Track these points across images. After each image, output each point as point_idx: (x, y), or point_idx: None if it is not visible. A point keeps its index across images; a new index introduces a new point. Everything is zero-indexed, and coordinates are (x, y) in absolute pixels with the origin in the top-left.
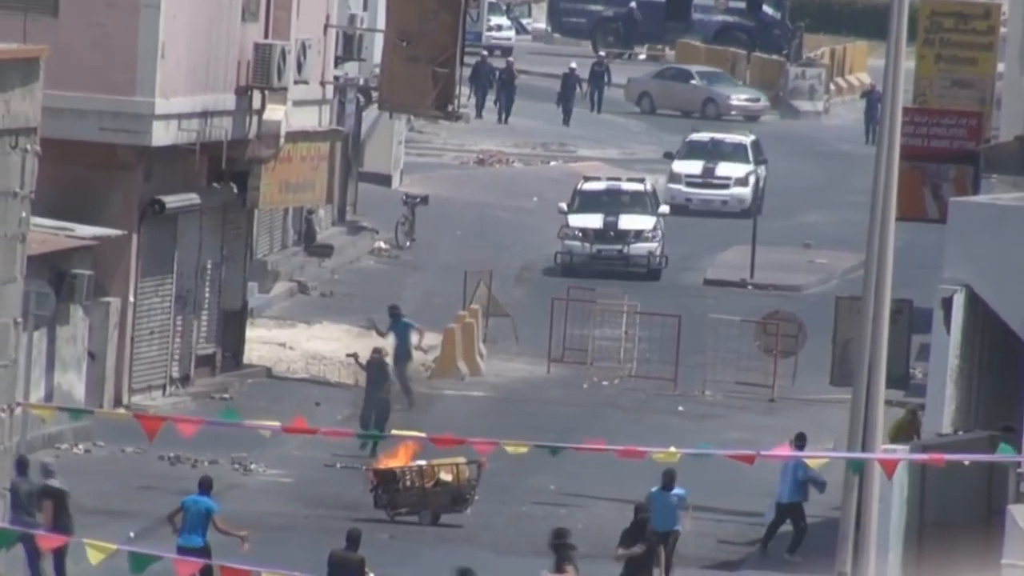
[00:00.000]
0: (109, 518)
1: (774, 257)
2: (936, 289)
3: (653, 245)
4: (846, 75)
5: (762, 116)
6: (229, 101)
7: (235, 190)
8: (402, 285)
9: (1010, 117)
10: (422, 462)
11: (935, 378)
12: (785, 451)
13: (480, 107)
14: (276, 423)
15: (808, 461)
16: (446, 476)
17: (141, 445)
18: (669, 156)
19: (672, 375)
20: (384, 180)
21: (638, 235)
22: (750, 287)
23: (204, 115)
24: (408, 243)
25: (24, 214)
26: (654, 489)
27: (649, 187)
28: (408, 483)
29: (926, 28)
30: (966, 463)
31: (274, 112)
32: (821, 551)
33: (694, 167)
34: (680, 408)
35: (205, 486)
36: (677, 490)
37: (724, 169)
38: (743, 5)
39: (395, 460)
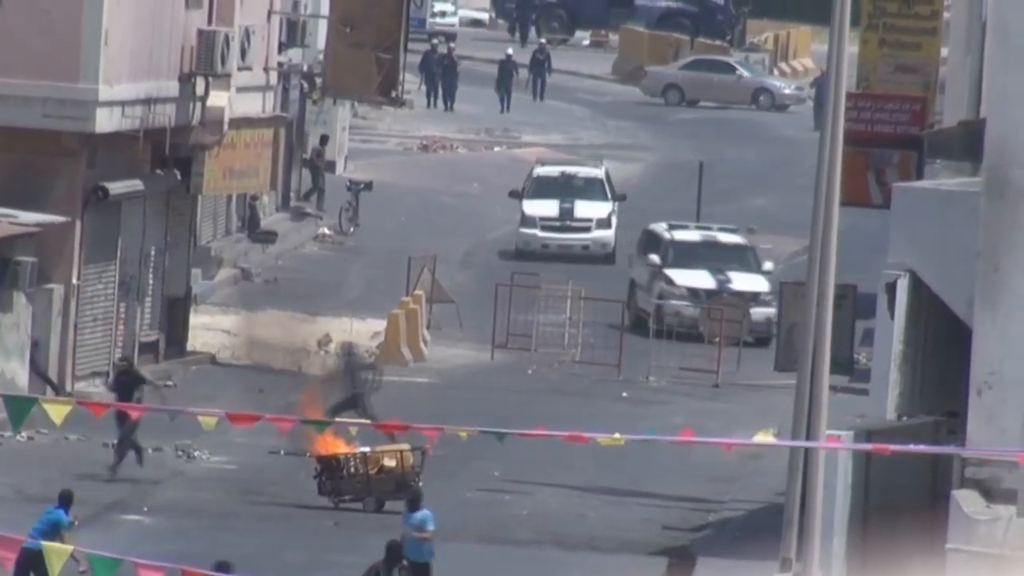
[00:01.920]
0: (53, 506)
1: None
2: (880, 274)
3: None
4: (790, 60)
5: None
6: (173, 88)
7: (179, 176)
8: (346, 271)
9: (953, 102)
10: (366, 449)
11: (879, 363)
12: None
13: (430, 96)
14: (219, 411)
15: None
16: (390, 463)
17: (84, 432)
18: (516, 195)
19: (616, 361)
20: (328, 166)
21: (596, 222)
22: None
23: (148, 102)
24: (352, 229)
25: None
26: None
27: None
28: (352, 470)
29: (869, 13)
30: (909, 445)
31: (218, 98)
32: (766, 536)
33: (548, 208)
34: (624, 394)
35: (64, 500)
36: (420, 513)
37: (583, 209)
38: None
39: (326, 446)
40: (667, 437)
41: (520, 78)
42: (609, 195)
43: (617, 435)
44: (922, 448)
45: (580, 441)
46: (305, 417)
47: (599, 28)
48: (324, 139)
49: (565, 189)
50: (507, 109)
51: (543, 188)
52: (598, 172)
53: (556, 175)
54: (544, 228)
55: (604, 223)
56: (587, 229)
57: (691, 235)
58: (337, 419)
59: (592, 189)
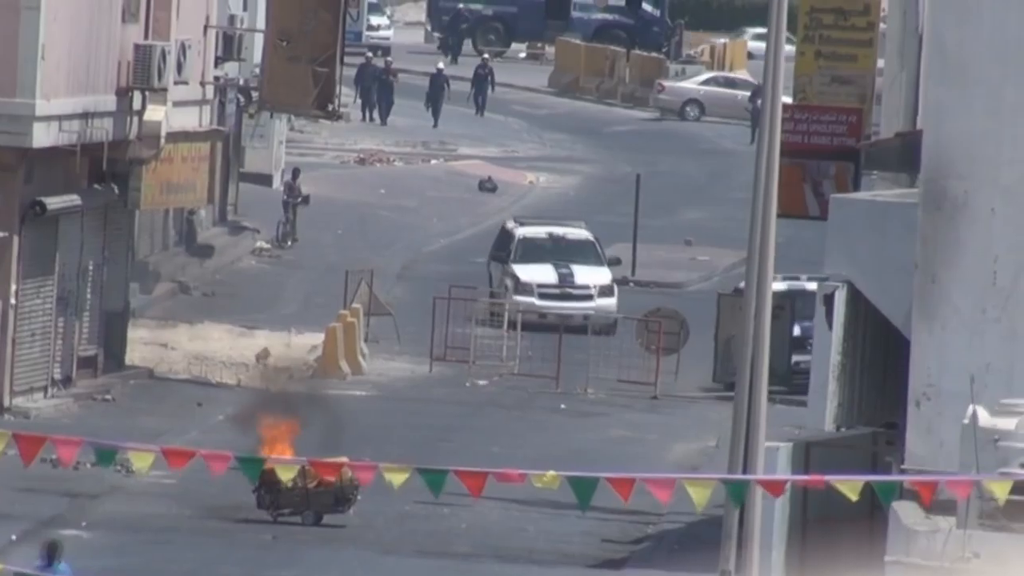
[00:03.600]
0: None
1: (655, 254)
2: (817, 285)
3: (611, 301)
4: (726, 72)
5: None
6: (110, 102)
7: (116, 191)
8: (283, 285)
9: (890, 114)
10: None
11: (817, 374)
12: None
13: (365, 109)
14: (155, 447)
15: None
16: (329, 476)
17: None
18: (501, 260)
19: (554, 373)
20: (265, 180)
21: (599, 290)
22: (632, 284)
23: (85, 116)
24: (289, 243)
25: None
26: (37, 563)
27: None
28: (291, 484)
29: (806, 25)
30: (846, 473)
31: (154, 113)
32: (705, 548)
33: (544, 274)
34: (562, 406)
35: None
36: (60, 565)
37: (583, 276)
38: (622, 3)
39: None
40: (603, 474)
41: (451, 92)
42: (603, 259)
43: (552, 472)
44: (857, 477)
45: (514, 481)
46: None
47: (535, 41)
48: (296, 173)
49: (556, 252)
50: (437, 124)
51: (531, 251)
52: (587, 234)
53: (544, 236)
54: (542, 296)
55: (607, 291)
56: (589, 297)
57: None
58: (274, 457)
59: (585, 252)
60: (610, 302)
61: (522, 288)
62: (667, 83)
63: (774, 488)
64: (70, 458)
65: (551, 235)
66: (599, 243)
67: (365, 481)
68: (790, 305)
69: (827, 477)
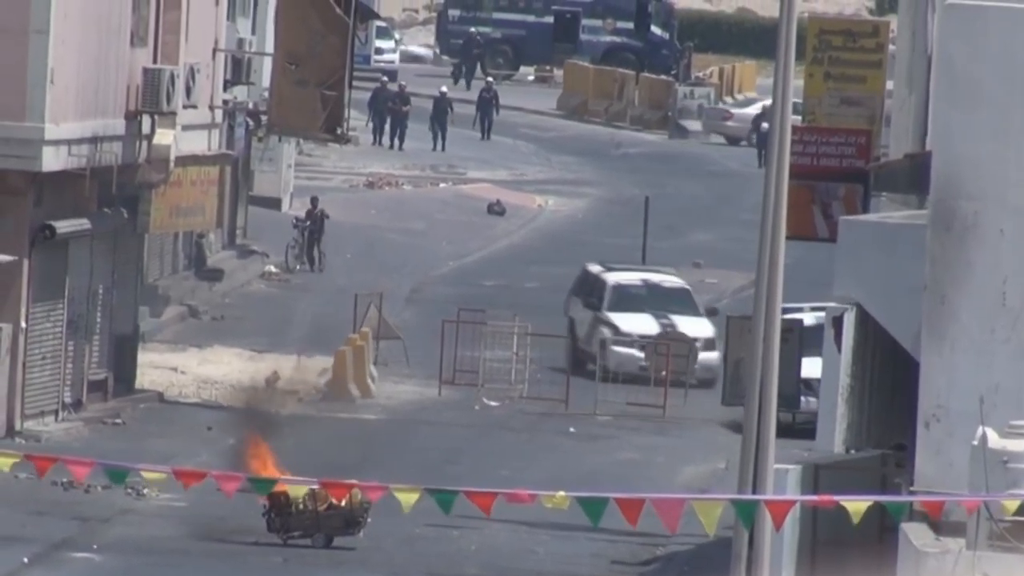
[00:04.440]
0: (1, 544)
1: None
2: (826, 308)
3: (714, 356)
4: (734, 94)
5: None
6: (119, 126)
7: (126, 215)
8: (292, 308)
9: (899, 135)
10: (315, 485)
11: (826, 397)
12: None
13: (376, 133)
14: (167, 467)
15: None
16: (338, 496)
17: (34, 471)
18: (592, 307)
19: (563, 396)
20: (274, 204)
21: (703, 343)
22: None
23: (94, 140)
24: (298, 266)
25: None
26: None
27: (685, 283)
28: (301, 506)
29: (814, 47)
30: (856, 494)
31: (163, 136)
32: (714, 570)
33: (645, 324)
34: (571, 429)
35: None
36: None
37: (686, 327)
38: (631, 26)
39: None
40: (612, 494)
41: (455, 115)
42: (699, 309)
43: (561, 493)
44: (870, 497)
45: (524, 501)
46: (254, 468)
47: (544, 64)
48: (315, 201)
49: (651, 301)
50: (442, 147)
51: (625, 299)
52: (681, 281)
53: (638, 284)
54: (643, 348)
55: (710, 344)
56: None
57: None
58: (281, 477)
59: (681, 301)
60: (711, 356)
61: (621, 339)
62: (735, 111)
63: (778, 513)
64: (83, 475)
65: (646, 282)
66: (691, 292)
67: (375, 499)
68: (799, 328)
69: (837, 497)
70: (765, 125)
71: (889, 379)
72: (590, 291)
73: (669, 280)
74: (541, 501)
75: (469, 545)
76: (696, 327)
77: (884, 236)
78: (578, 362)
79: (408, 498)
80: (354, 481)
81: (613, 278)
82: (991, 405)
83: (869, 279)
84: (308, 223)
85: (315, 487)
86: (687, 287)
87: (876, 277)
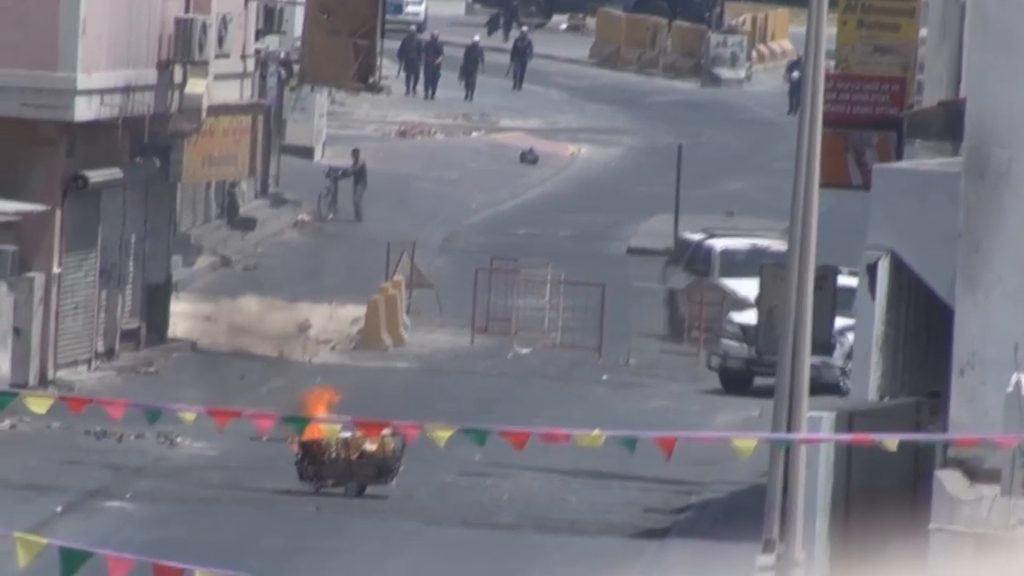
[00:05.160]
0: (35, 493)
1: (698, 225)
2: (860, 255)
3: (836, 354)
4: (768, 42)
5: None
6: (151, 76)
7: (158, 164)
8: (325, 258)
9: (933, 82)
10: (347, 434)
11: (860, 345)
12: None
13: (409, 83)
14: (200, 407)
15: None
16: (371, 447)
17: (67, 420)
18: (699, 272)
19: (596, 344)
20: (306, 153)
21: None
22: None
23: (126, 90)
24: (331, 215)
25: None
26: None
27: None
28: (333, 455)
29: None
30: (892, 433)
31: (196, 86)
32: (748, 518)
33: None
34: (604, 377)
35: None
36: None
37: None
38: None
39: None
40: (646, 432)
41: (486, 64)
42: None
43: (597, 431)
44: (904, 436)
45: (559, 440)
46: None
47: (576, 12)
48: (356, 153)
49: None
50: (471, 97)
51: (733, 266)
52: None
53: (746, 249)
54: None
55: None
56: None
57: (738, 243)
58: (318, 416)
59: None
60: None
61: (740, 303)
62: None
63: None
64: (118, 415)
65: (754, 247)
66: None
67: (411, 438)
68: (832, 276)
69: (872, 435)
70: (796, 74)
71: (923, 327)
72: (692, 259)
73: (779, 245)
74: (576, 441)
75: (502, 494)
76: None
77: (918, 184)
78: (677, 331)
79: (442, 436)
80: (389, 420)
81: (720, 244)
82: None
83: (903, 227)
84: (352, 175)
85: (347, 435)
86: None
87: (910, 225)
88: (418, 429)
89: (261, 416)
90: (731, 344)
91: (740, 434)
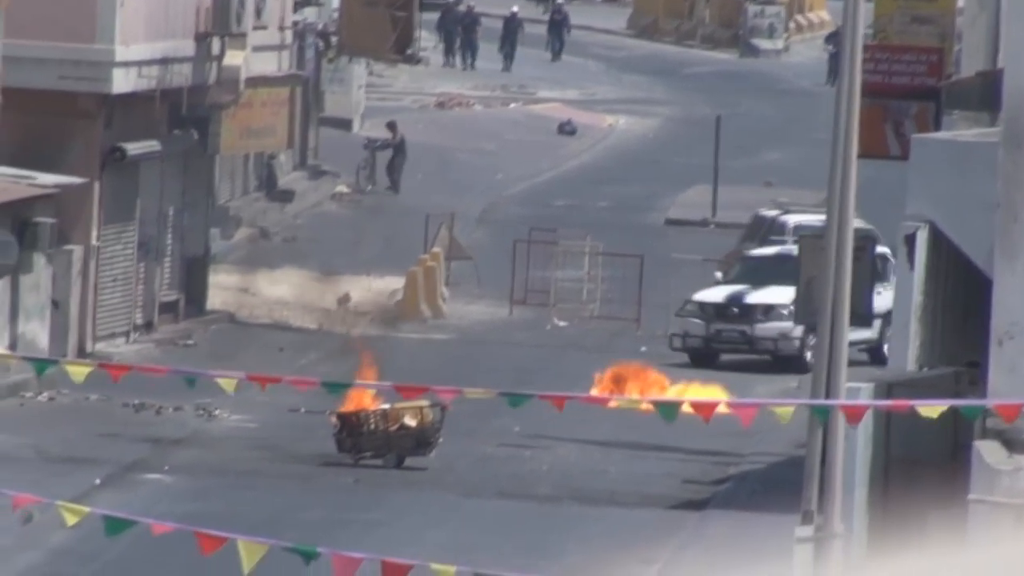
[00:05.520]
0: (74, 466)
1: (736, 196)
2: (899, 226)
3: (786, 324)
4: (805, 12)
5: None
6: (188, 47)
7: (196, 136)
8: (363, 229)
9: (971, 53)
10: (386, 406)
11: (899, 315)
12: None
13: (448, 54)
14: (240, 373)
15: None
16: (410, 420)
17: (106, 392)
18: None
19: (635, 315)
20: (345, 125)
21: (767, 311)
22: (712, 226)
23: (164, 62)
24: (369, 187)
25: None
26: None
27: (870, 225)
28: (372, 427)
29: None
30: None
31: (233, 58)
32: (787, 489)
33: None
34: (643, 348)
35: None
36: None
37: None
38: None
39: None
40: (688, 399)
41: (525, 35)
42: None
43: (637, 396)
44: (944, 401)
45: (601, 403)
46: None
47: None
48: (393, 125)
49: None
50: (510, 68)
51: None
52: (864, 223)
53: (820, 224)
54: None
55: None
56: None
57: (766, 251)
58: (358, 381)
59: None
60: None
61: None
62: None
63: (854, 415)
64: (160, 377)
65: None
66: (874, 230)
67: (449, 402)
68: (871, 246)
69: (912, 402)
70: (831, 48)
71: (962, 297)
72: (767, 235)
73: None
74: (617, 404)
75: (541, 465)
76: (769, 295)
77: (956, 154)
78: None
79: (477, 395)
80: (424, 403)
81: (793, 219)
82: None
83: (941, 197)
84: (391, 148)
85: (386, 407)
86: (868, 226)
87: (948, 195)
88: (457, 393)
89: (301, 381)
90: (692, 322)
91: (780, 401)
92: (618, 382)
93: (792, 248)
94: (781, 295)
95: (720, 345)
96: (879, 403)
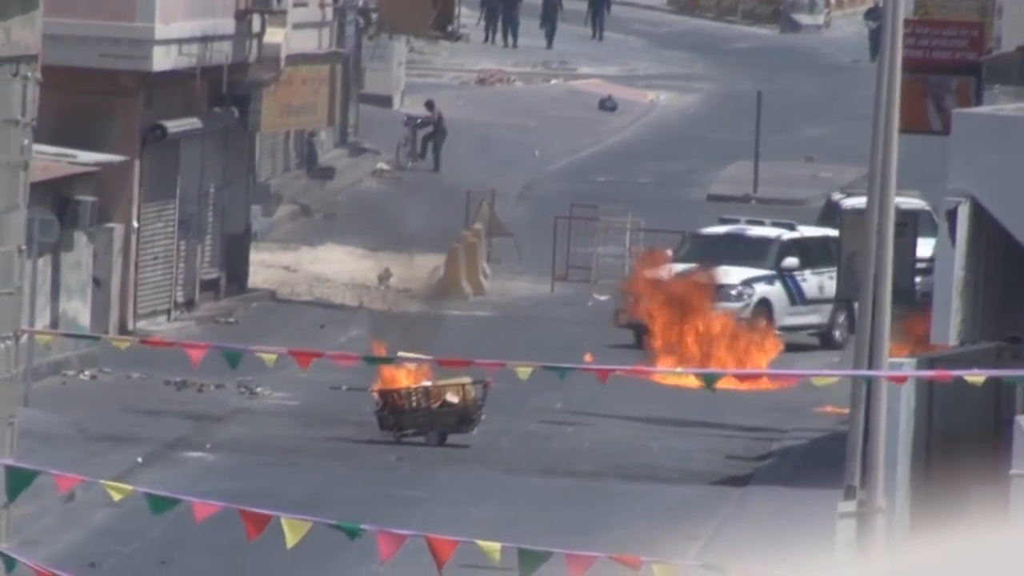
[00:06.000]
0: (116, 444)
1: (777, 171)
2: (940, 201)
3: (735, 305)
4: None
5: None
6: (229, 25)
7: (236, 114)
8: (404, 206)
9: (1011, 27)
10: (428, 383)
11: (941, 290)
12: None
13: (488, 31)
14: (281, 348)
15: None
16: (452, 397)
17: (147, 370)
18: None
19: None
20: (385, 102)
21: (716, 290)
22: (753, 201)
23: (204, 39)
24: (410, 164)
25: (26, 142)
26: None
27: (787, 235)
28: (414, 404)
29: None
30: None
31: (274, 35)
32: (829, 465)
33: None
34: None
35: None
36: None
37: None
38: None
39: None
40: (728, 371)
41: (565, 12)
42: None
43: (679, 369)
44: (986, 372)
45: (643, 374)
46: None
47: None
48: (431, 104)
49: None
50: (551, 45)
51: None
52: (921, 203)
53: (720, 234)
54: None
55: None
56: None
57: (717, 230)
58: (401, 354)
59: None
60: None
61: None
62: None
63: (897, 379)
64: (198, 358)
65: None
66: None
67: (492, 375)
68: (913, 223)
69: (955, 372)
70: (872, 23)
71: (1003, 271)
72: (832, 217)
73: (908, 202)
74: (664, 376)
75: (583, 442)
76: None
77: (997, 128)
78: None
79: (524, 372)
80: (466, 380)
81: (849, 203)
82: None
83: (983, 171)
84: (430, 125)
85: (428, 384)
86: (927, 208)
87: (990, 169)
88: (500, 365)
89: (342, 356)
90: None
91: (824, 372)
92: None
93: (744, 228)
94: (732, 275)
95: None
96: (922, 373)
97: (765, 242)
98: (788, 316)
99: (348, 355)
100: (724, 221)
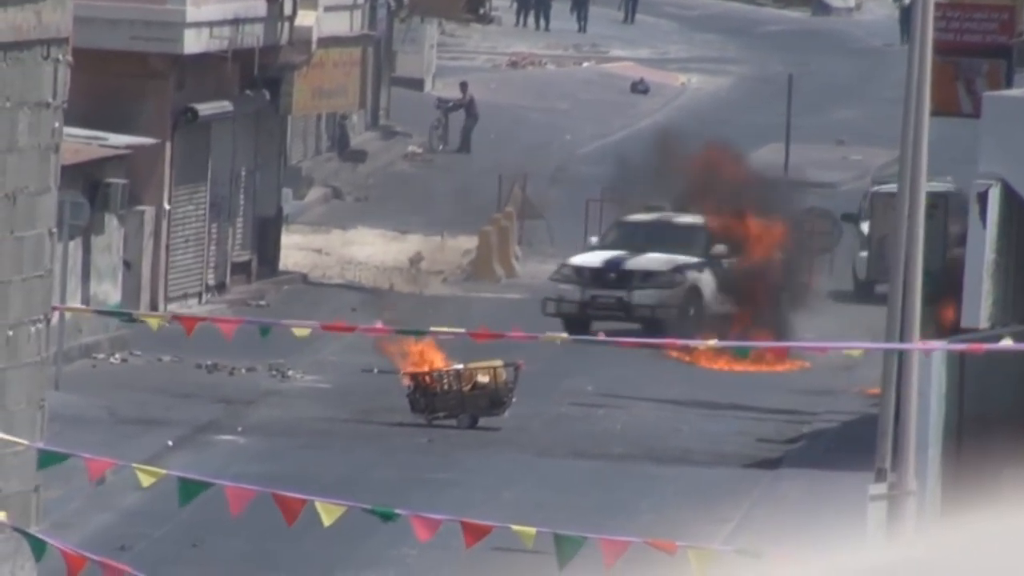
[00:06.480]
0: (147, 427)
1: (808, 154)
2: (971, 184)
3: (664, 292)
4: None
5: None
6: (260, 8)
7: (268, 97)
8: (436, 189)
9: None
10: (459, 365)
11: (972, 273)
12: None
13: (520, 14)
14: (314, 322)
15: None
16: (483, 379)
17: (178, 353)
18: (854, 220)
19: None
20: (417, 84)
21: (645, 277)
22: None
23: (235, 22)
24: (441, 147)
25: (57, 124)
26: None
27: (955, 186)
28: (445, 387)
29: None
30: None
31: (305, 18)
32: (860, 447)
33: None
34: None
35: None
36: None
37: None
38: None
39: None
40: (761, 343)
41: None
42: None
43: (713, 342)
44: (1019, 346)
45: (674, 347)
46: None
47: None
48: (464, 85)
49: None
50: (584, 28)
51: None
52: (948, 186)
53: (648, 221)
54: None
55: None
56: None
57: (644, 217)
58: (433, 329)
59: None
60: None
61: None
62: None
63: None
64: (230, 332)
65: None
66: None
67: (527, 341)
68: (944, 205)
69: (988, 345)
70: (903, 2)
71: None
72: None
73: (937, 187)
74: (693, 348)
75: (614, 424)
76: (648, 262)
77: None
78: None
79: (553, 339)
80: (498, 362)
81: (875, 188)
82: None
83: (1014, 155)
84: (462, 108)
85: (459, 367)
86: (955, 190)
87: (1021, 153)
88: (535, 338)
89: (375, 330)
90: (566, 288)
91: (857, 345)
92: None
93: (671, 215)
94: (660, 262)
95: (595, 311)
96: (954, 346)
97: (694, 229)
98: (718, 304)
99: (379, 328)
100: (650, 209)
